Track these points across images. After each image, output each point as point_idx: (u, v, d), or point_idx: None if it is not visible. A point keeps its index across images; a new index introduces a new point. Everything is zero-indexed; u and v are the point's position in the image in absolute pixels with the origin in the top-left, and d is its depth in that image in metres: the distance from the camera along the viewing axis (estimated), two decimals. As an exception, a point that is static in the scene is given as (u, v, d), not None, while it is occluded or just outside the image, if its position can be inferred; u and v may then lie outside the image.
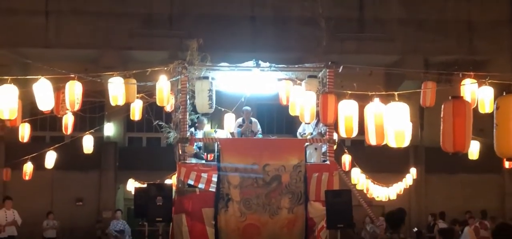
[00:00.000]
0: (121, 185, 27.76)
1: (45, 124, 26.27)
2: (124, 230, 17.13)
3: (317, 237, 11.64)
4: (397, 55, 27.52)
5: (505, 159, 14.57)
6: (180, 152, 12.04)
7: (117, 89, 11.71)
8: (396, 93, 8.72)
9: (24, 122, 15.33)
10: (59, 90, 11.17)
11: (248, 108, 13.82)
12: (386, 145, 9.06)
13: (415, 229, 20.83)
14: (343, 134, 10.19)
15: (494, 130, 6.12)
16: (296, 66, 12.94)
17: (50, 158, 17.56)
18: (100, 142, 26.98)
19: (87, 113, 18.54)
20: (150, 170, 22.27)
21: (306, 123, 12.38)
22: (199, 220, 11.52)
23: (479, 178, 26.92)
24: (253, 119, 13.90)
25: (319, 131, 13.03)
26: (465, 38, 28.05)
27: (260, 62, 12.38)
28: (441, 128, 7.00)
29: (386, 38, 27.69)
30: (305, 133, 13.42)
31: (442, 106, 7.09)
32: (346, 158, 19.32)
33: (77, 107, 10.90)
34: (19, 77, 10.36)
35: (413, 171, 21.99)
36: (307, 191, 11.53)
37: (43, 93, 10.14)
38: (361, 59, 22.62)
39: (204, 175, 11.67)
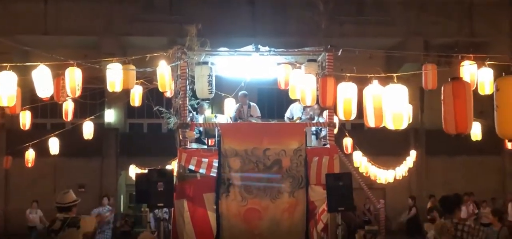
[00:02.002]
0: (122, 171, 27.84)
1: (46, 112, 26.34)
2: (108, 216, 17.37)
3: (318, 221, 11.64)
4: (397, 38, 27.51)
5: (506, 140, 14.62)
6: (181, 138, 12.05)
7: (115, 75, 11.68)
8: (395, 75, 8.71)
9: (25, 109, 15.36)
10: (58, 76, 11.15)
11: (244, 92, 13.75)
12: (387, 128, 9.05)
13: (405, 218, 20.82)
14: (342, 117, 10.19)
15: (495, 111, 6.12)
16: (296, 50, 12.92)
17: (53, 145, 17.58)
18: (101, 128, 27.05)
19: (88, 100, 18.53)
20: (151, 156, 22.28)
21: (307, 106, 12.37)
22: (201, 205, 11.55)
23: (479, 160, 26.99)
24: (252, 104, 13.84)
25: (308, 115, 13.04)
26: (466, 20, 28.03)
27: (259, 46, 12.36)
28: (442, 110, 6.99)
29: (386, 21, 27.67)
30: (292, 117, 13.43)
31: (442, 88, 7.09)
32: (348, 141, 19.34)
33: (78, 93, 10.90)
34: (18, 64, 10.33)
35: (413, 154, 21.98)
36: (308, 175, 11.54)
37: (42, 80, 10.14)
38: (361, 43, 22.59)
39: (205, 160, 11.69)
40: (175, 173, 12.39)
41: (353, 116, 10.02)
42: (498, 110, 6.08)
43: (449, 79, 7.03)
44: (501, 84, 6.09)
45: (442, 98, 7.00)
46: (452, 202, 7.68)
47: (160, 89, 12.60)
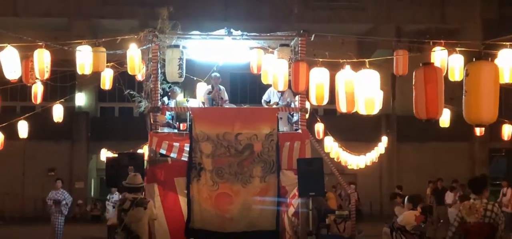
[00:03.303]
0: (93, 155, 27.66)
1: (16, 94, 25.98)
2: (60, 200, 17.31)
3: (289, 205, 11.68)
4: (369, 24, 27.66)
5: (474, 126, 14.76)
6: (152, 122, 11.95)
7: (85, 58, 11.51)
8: (367, 60, 8.72)
9: (-7, 91, 15.09)
10: (27, 58, 10.96)
11: (217, 74, 13.69)
12: (358, 114, 9.08)
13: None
14: (314, 102, 10.17)
15: (463, 96, 6.13)
16: (268, 34, 12.88)
17: (22, 128, 17.32)
18: (72, 112, 26.83)
19: (58, 83, 18.30)
20: (123, 140, 22.17)
21: (279, 91, 12.35)
22: (172, 189, 11.50)
23: (450, 146, 27.33)
24: (221, 87, 13.79)
25: (286, 101, 13.02)
26: (437, 7, 28.26)
27: (232, 30, 12.28)
28: (414, 95, 7.01)
29: (358, 7, 27.77)
30: (270, 101, 13.41)
31: (414, 73, 7.11)
32: (320, 127, 19.38)
33: (46, 75, 10.71)
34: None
35: (385, 140, 22.12)
36: (279, 160, 11.54)
37: (10, 62, 9.96)
38: (334, 28, 22.61)
39: (176, 144, 11.63)
40: (146, 157, 12.32)
41: (325, 101, 10.01)
42: (466, 96, 6.08)
43: (420, 64, 7.05)
44: (471, 70, 6.10)
45: (413, 83, 7.02)
46: (480, 183, 7.86)
47: (130, 72, 12.45)
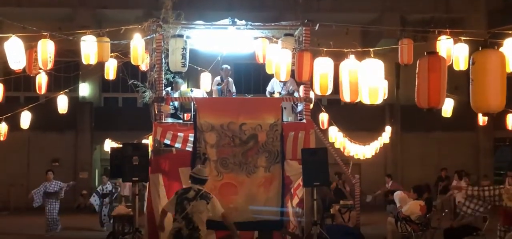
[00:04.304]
0: (97, 145, 27.70)
1: (20, 84, 26.06)
2: (57, 191, 17.71)
3: (294, 195, 11.70)
4: (374, 13, 27.55)
5: (480, 116, 14.73)
6: (156, 112, 11.96)
7: (90, 48, 11.52)
8: (371, 49, 8.68)
9: (-2, 82, 15.13)
10: (31, 48, 10.94)
11: (227, 66, 13.78)
12: (362, 104, 9.05)
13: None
14: (318, 92, 10.13)
15: (470, 85, 6.10)
16: (272, 24, 12.86)
17: (25, 119, 17.34)
18: (76, 102, 26.84)
19: (62, 73, 18.30)
20: (127, 130, 22.16)
21: (281, 81, 12.33)
22: (176, 179, 11.47)
23: (454, 136, 27.29)
24: (230, 79, 13.88)
25: (288, 90, 13.02)
26: (442, -4, 28.14)
27: (236, 20, 12.26)
28: (416, 84, 6.99)
29: (363, -4, 27.67)
30: (273, 91, 13.42)
31: (417, 62, 7.07)
32: (324, 117, 19.36)
33: (50, 65, 10.69)
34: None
35: (389, 130, 22.09)
36: (284, 150, 11.53)
37: (15, 52, 9.94)
38: (338, 17, 22.57)
39: (181, 134, 11.62)
40: (150, 148, 12.32)
41: (329, 91, 9.97)
42: (473, 84, 6.06)
43: (425, 53, 7.02)
44: (477, 58, 6.07)
45: (417, 71, 6.99)
46: None
47: (133, 62, 12.43)
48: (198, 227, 8.66)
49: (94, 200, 19.51)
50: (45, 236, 17.86)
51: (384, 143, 21.85)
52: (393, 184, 20.78)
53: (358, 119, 23.95)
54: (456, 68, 11.46)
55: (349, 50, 9.17)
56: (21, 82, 25.67)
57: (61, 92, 17.26)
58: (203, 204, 8.73)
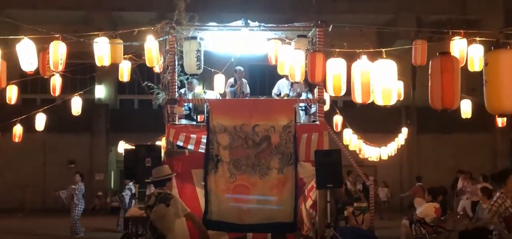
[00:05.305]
0: (113, 147, 27.82)
1: (36, 87, 26.18)
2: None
3: (307, 197, 11.63)
4: (390, 14, 27.45)
5: (496, 116, 14.57)
6: (169, 113, 11.96)
7: (103, 50, 11.54)
8: (383, 50, 8.61)
9: (12, 83, 15.19)
10: (44, 50, 10.98)
11: (241, 68, 13.75)
12: (378, 106, 8.97)
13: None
14: (332, 93, 10.08)
15: (484, 86, 6.02)
16: (286, 25, 12.80)
17: (41, 121, 17.43)
18: (92, 104, 27.00)
19: (78, 75, 18.40)
20: (142, 132, 22.24)
21: (295, 82, 12.28)
22: (189, 181, 11.47)
23: (471, 138, 27.09)
24: (243, 80, 13.86)
25: (296, 92, 12.97)
26: (458, -4, 27.97)
27: (249, 21, 12.23)
28: (429, 85, 6.91)
29: (379, -3, 27.58)
30: (280, 94, 13.37)
31: (430, 62, 7.00)
32: (338, 119, 19.27)
33: (60, 67, 10.69)
34: (1, 37, 10.19)
35: (405, 131, 21.96)
36: (297, 152, 11.47)
37: (27, 54, 9.98)
38: (354, 19, 22.53)
39: (193, 136, 11.60)
40: (163, 149, 12.32)
41: (342, 92, 9.91)
42: (487, 85, 5.97)
43: (437, 54, 6.95)
44: (490, 59, 5.99)
45: (429, 72, 6.92)
46: None
47: (148, 64, 12.46)
48: (163, 234, 8.01)
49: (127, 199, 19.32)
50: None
51: (400, 145, 21.73)
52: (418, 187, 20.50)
53: (374, 121, 23.85)
54: (471, 69, 11.35)
55: (361, 50, 9.10)
56: (38, 84, 25.81)
57: (76, 94, 17.33)
58: (163, 207, 7.99)
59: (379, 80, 8.47)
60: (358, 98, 8.91)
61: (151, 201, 8.13)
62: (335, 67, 9.76)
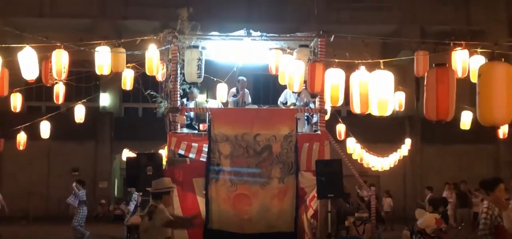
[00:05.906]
0: (117, 155, 27.86)
1: (41, 94, 26.29)
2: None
3: (308, 207, 11.64)
4: (393, 25, 27.47)
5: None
6: (171, 122, 12.01)
7: (104, 58, 11.60)
8: (381, 61, 8.64)
9: (16, 91, 15.27)
10: (47, 59, 11.06)
11: (243, 78, 13.81)
12: (381, 115, 8.99)
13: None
14: (329, 103, 10.12)
15: (476, 98, 6.02)
16: (287, 35, 12.85)
17: (45, 128, 17.50)
18: (96, 112, 27.06)
19: (82, 83, 18.47)
20: (146, 140, 22.20)
21: (294, 92, 12.33)
22: (190, 190, 11.52)
23: (474, 148, 27.02)
24: (246, 90, 13.93)
25: (303, 101, 13.00)
26: (462, 8, 27.98)
27: (251, 31, 12.28)
28: (425, 96, 6.94)
29: (382, 7, 27.59)
30: (286, 103, 13.40)
31: (426, 74, 7.04)
32: (341, 128, 19.28)
33: (63, 76, 10.78)
34: (3, 45, 10.26)
35: (408, 142, 21.93)
36: (298, 161, 11.50)
37: (28, 62, 10.04)
38: (358, 29, 22.50)
39: (195, 145, 11.65)
40: (165, 158, 12.36)
41: (340, 102, 9.95)
42: (479, 97, 5.97)
43: (433, 65, 6.98)
44: (483, 70, 5.99)
45: (425, 84, 6.94)
46: None
47: (147, 73, 12.49)
48: None
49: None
50: None
51: (403, 155, 21.70)
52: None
53: (377, 131, 23.78)
54: (473, 80, 11.33)
55: (359, 61, 9.14)
56: (42, 92, 25.93)
57: (80, 102, 17.39)
58: (146, 221, 7.94)
59: (376, 91, 8.50)
60: (356, 108, 8.95)
61: (144, 212, 8.17)
62: (333, 77, 9.81)
